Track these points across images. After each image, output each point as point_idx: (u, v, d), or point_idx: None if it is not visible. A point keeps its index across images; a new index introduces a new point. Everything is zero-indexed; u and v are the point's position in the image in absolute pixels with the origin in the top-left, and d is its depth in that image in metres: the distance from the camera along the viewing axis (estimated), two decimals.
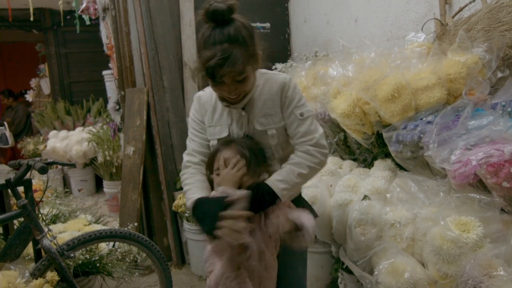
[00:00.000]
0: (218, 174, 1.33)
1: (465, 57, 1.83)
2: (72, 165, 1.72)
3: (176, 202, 2.99)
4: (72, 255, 1.76)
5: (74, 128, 5.35)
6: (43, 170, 1.50)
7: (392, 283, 1.40)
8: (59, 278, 1.68)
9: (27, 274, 1.56)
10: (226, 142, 1.38)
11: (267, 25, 4.05)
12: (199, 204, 1.29)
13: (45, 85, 5.95)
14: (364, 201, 1.71)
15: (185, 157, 1.48)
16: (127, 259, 2.13)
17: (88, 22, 4.63)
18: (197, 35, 1.24)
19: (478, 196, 1.38)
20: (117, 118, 3.90)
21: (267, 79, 1.40)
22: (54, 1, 5.09)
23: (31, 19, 4.65)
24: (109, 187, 4.34)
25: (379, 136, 2.12)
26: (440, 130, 1.60)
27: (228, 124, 1.41)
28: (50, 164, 1.59)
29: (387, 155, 2.12)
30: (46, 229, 1.73)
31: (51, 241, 1.73)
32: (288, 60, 3.47)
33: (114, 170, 4.26)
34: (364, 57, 2.06)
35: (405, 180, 1.69)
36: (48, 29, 5.75)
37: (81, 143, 4.93)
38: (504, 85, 1.74)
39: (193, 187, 1.39)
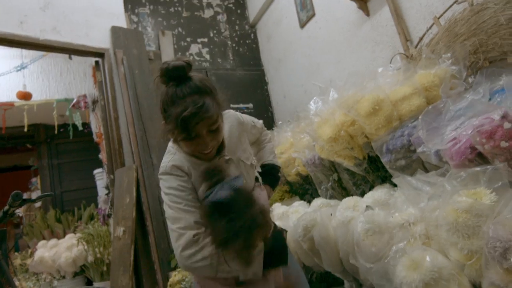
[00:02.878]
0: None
1: (435, 68, 1.92)
2: (49, 195, 1.60)
3: (171, 280, 2.72)
4: None
5: (64, 236, 5.12)
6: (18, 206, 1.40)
7: (414, 277, 1.22)
8: None
9: None
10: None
11: (250, 105, 4.28)
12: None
13: None
14: (368, 212, 1.60)
15: (187, 233, 1.15)
16: None
17: (80, 128, 4.84)
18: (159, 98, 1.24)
19: (479, 168, 1.30)
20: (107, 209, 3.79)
21: (225, 118, 1.38)
22: (48, 116, 5.38)
23: (25, 130, 4.84)
24: None
25: (371, 161, 2.09)
26: (427, 125, 1.59)
27: None
28: (27, 202, 1.49)
29: (384, 180, 2.06)
30: (17, 283, 1.53)
31: None
32: (272, 128, 3.58)
33: (105, 269, 3.95)
34: (341, 89, 2.15)
35: (406, 181, 1.60)
36: (42, 143, 5.95)
37: (71, 249, 4.65)
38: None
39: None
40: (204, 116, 1.14)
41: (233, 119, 1.44)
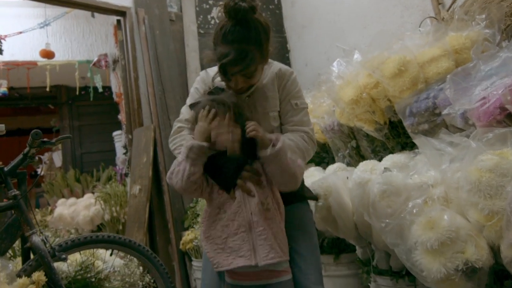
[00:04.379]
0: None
1: (467, 30, 1.81)
2: (68, 137, 1.62)
3: (184, 239, 2.78)
4: (64, 256, 1.57)
5: (83, 196, 5.27)
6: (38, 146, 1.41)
7: (430, 236, 1.18)
8: (46, 280, 1.47)
9: (11, 267, 1.37)
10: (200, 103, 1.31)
11: None
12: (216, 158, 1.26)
13: (57, 158, 6.04)
14: (386, 173, 1.55)
15: (176, 123, 1.47)
16: (126, 279, 1.89)
17: (100, 89, 4.88)
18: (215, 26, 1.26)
19: (507, 129, 1.23)
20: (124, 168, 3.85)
21: (270, 67, 1.44)
22: (70, 78, 5.45)
23: (48, 90, 4.91)
24: None
25: (392, 127, 2.02)
26: (455, 86, 1.52)
27: None
28: (46, 144, 1.50)
29: (404, 146, 2.00)
30: (37, 227, 1.57)
31: (42, 240, 1.55)
32: None
33: (120, 227, 4.07)
34: (366, 51, 2.06)
35: (427, 141, 1.53)
36: (63, 104, 6.06)
37: (89, 208, 4.80)
38: None
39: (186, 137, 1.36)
40: (242, 67, 1.23)
41: (275, 71, 1.41)
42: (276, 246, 1.21)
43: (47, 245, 1.55)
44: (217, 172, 1.25)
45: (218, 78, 1.41)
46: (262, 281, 1.23)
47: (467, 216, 1.22)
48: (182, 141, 1.35)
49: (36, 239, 1.53)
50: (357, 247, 1.95)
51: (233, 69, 1.24)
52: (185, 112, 1.47)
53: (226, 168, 1.24)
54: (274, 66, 1.45)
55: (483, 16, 1.81)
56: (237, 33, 1.22)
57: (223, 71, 1.27)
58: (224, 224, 1.22)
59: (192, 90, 1.50)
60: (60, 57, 5.00)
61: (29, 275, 1.48)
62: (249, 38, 1.22)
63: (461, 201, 1.24)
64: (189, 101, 1.49)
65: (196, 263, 2.69)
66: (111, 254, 1.85)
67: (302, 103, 1.44)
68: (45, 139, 1.48)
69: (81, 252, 1.77)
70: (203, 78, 1.49)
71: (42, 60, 4.88)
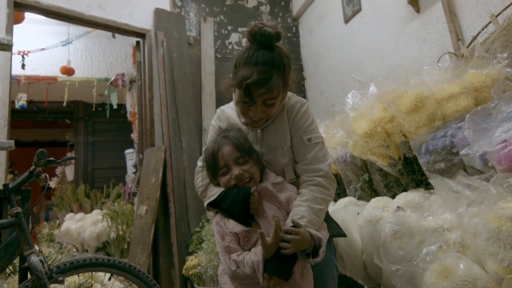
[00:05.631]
0: (223, 174, 1.28)
1: (487, 68, 1.77)
2: (74, 158, 1.60)
3: (187, 264, 2.71)
4: (61, 279, 1.52)
5: (91, 211, 5.26)
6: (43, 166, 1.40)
7: (444, 286, 1.10)
8: None
9: (5, 287, 1.33)
10: (218, 140, 1.33)
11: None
12: (225, 194, 1.27)
13: (69, 172, 6.09)
14: (399, 212, 1.48)
15: (198, 163, 1.45)
16: None
17: (115, 106, 4.94)
18: (238, 52, 1.32)
19: None
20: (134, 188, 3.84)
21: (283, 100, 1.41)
22: (88, 94, 5.55)
23: (65, 105, 5.00)
24: None
25: (406, 163, 1.96)
26: (475, 126, 1.46)
27: None
28: (52, 162, 1.49)
29: (418, 184, 1.92)
30: (36, 247, 1.54)
31: (40, 260, 1.52)
32: None
33: (125, 246, 4.02)
34: (382, 84, 2.02)
35: (444, 182, 1.46)
36: (80, 119, 6.16)
37: (96, 224, 4.77)
38: None
39: (208, 187, 1.36)
40: (265, 89, 1.19)
41: (287, 105, 1.36)
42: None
43: (45, 266, 1.51)
44: (231, 208, 1.24)
45: (233, 116, 1.40)
46: None
47: (485, 266, 1.14)
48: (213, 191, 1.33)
49: (34, 259, 1.49)
50: (365, 287, 1.86)
51: (258, 90, 1.19)
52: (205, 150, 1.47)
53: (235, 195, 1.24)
54: (287, 98, 1.39)
55: (505, 55, 1.76)
56: (262, 55, 1.20)
57: (247, 93, 1.21)
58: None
59: (210, 128, 1.52)
60: (80, 74, 5.11)
61: None
62: (273, 61, 1.21)
63: (479, 249, 1.17)
64: (208, 139, 1.49)
65: None
66: (109, 279, 1.80)
67: (315, 138, 1.34)
68: (51, 158, 1.47)
69: (80, 274, 1.72)
70: (218, 115, 1.48)
71: (62, 76, 5.00)
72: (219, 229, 1.24)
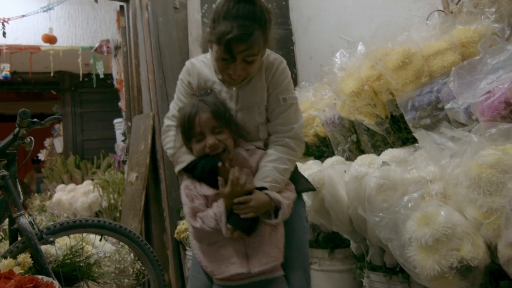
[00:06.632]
0: (197, 142, 1.27)
1: (475, 24, 1.75)
2: (58, 118, 1.58)
3: (179, 228, 2.75)
4: (51, 239, 1.54)
5: (82, 182, 5.27)
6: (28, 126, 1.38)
7: (425, 232, 1.14)
8: (32, 262, 1.44)
9: None
10: (196, 105, 1.29)
11: None
12: (196, 163, 1.27)
13: (58, 144, 6.04)
14: (384, 167, 1.51)
15: (166, 121, 1.42)
16: (117, 265, 1.86)
17: (102, 75, 4.85)
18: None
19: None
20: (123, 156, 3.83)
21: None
22: (73, 64, 5.42)
23: (51, 75, 4.89)
24: None
25: (393, 121, 1.97)
26: (460, 79, 1.46)
27: None
28: (36, 124, 1.47)
29: (405, 142, 1.95)
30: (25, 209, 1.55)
31: (29, 222, 1.52)
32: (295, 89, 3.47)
33: (117, 215, 4.05)
34: (370, 42, 2.00)
35: (428, 136, 1.48)
36: (66, 90, 6.04)
37: (87, 194, 4.79)
38: None
39: (180, 151, 1.34)
40: (245, 45, 1.14)
41: (265, 62, 1.32)
42: (270, 250, 1.19)
43: (35, 227, 1.52)
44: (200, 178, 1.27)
45: (205, 71, 1.35)
46: (253, 279, 1.20)
47: (465, 213, 1.17)
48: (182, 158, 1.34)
49: (24, 220, 1.50)
50: (351, 242, 1.91)
51: (239, 46, 1.14)
52: (173, 108, 1.42)
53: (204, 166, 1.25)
54: (274, 60, 1.35)
55: (493, 9, 1.75)
56: (243, 8, 1.13)
57: (228, 50, 1.15)
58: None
59: (178, 82, 1.44)
60: (64, 42, 4.97)
61: (15, 257, 1.46)
62: (255, 15, 1.15)
63: (459, 197, 1.20)
64: (176, 93, 1.44)
65: (190, 252, 2.66)
66: (100, 240, 1.83)
67: (290, 98, 1.33)
68: (34, 120, 1.45)
69: (71, 236, 1.74)
70: (188, 69, 1.40)
71: (45, 45, 4.85)
72: (188, 192, 1.26)
